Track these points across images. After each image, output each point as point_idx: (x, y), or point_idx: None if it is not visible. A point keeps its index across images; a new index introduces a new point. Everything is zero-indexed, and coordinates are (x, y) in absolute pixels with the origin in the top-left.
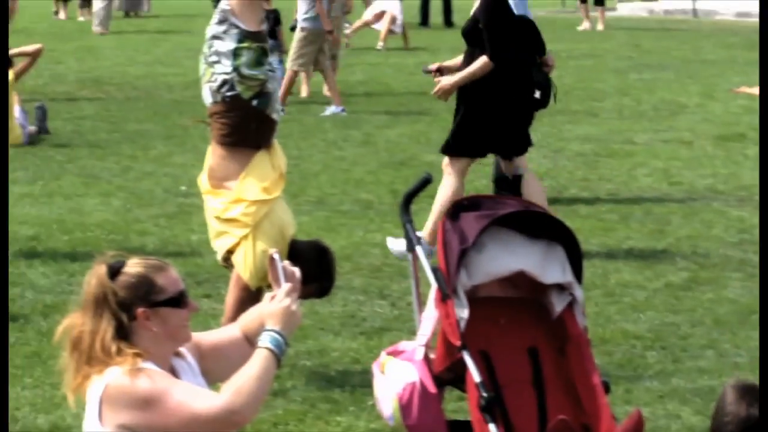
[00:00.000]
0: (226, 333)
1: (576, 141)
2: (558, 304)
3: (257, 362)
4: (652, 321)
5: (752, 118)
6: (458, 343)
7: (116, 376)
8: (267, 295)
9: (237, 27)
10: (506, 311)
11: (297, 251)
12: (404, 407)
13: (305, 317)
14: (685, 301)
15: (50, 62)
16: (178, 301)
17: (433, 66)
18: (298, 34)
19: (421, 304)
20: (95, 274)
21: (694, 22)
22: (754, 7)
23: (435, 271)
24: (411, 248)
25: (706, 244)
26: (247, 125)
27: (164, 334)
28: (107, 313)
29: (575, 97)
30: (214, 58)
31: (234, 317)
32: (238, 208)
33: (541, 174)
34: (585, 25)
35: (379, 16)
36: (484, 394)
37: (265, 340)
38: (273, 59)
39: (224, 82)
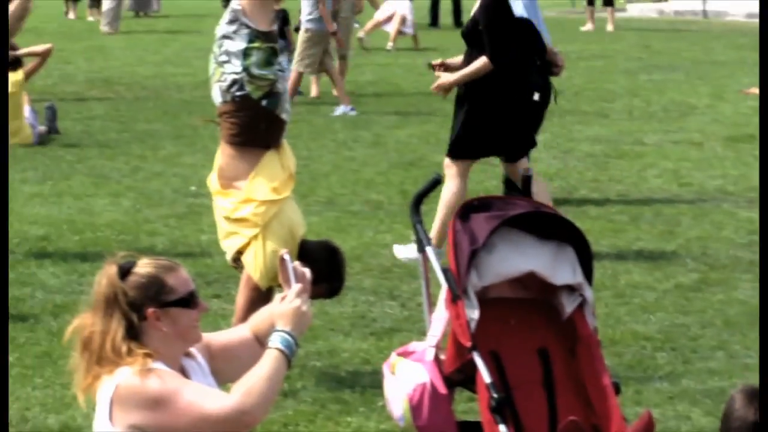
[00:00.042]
0: (237, 333)
1: (586, 142)
2: (568, 305)
3: (267, 363)
4: (662, 322)
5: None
6: (468, 343)
7: (126, 376)
8: (277, 296)
9: (248, 27)
10: (516, 312)
11: (307, 251)
12: (414, 408)
13: (315, 318)
14: (695, 302)
15: (60, 62)
16: (189, 301)
17: (437, 61)
18: (302, 36)
19: (432, 304)
20: (106, 275)
21: (704, 23)
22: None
23: (445, 271)
24: (421, 249)
25: (716, 246)
26: (256, 125)
27: (174, 335)
28: (117, 314)
29: (585, 98)
30: (224, 58)
31: (244, 317)
32: (248, 208)
33: (550, 175)
34: (588, 26)
35: (391, 17)
36: (495, 395)
37: (276, 341)
38: (282, 59)
39: (234, 82)
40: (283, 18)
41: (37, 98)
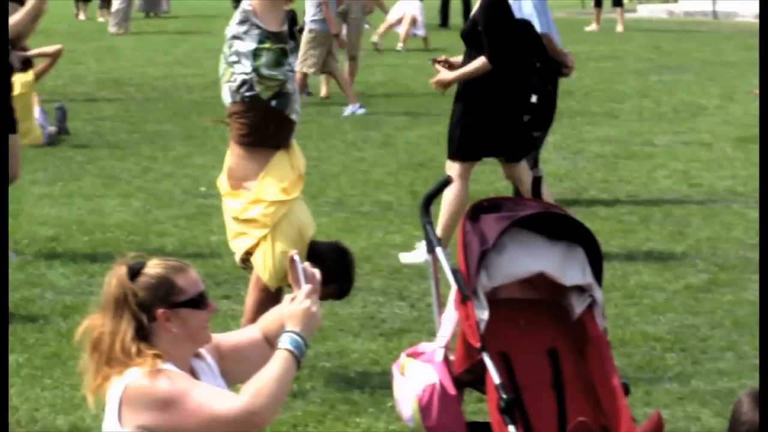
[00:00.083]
0: (246, 334)
1: (596, 143)
2: (578, 306)
3: (277, 363)
4: (671, 323)
5: None
6: (478, 344)
7: (136, 377)
8: (287, 297)
9: (258, 27)
10: (526, 313)
11: (317, 252)
12: (424, 409)
13: (325, 318)
14: (704, 303)
15: (70, 63)
16: (198, 302)
17: (441, 58)
18: (306, 36)
19: (441, 305)
20: (115, 275)
21: (714, 23)
22: None
23: (455, 272)
24: (431, 250)
25: (726, 246)
26: (265, 125)
27: (184, 335)
28: (127, 314)
29: (595, 98)
30: (234, 58)
31: (254, 318)
32: (257, 208)
33: (560, 176)
34: (593, 27)
35: (403, 19)
36: (504, 396)
37: (285, 342)
38: (293, 60)
39: (243, 82)
40: (292, 19)
41: (47, 99)
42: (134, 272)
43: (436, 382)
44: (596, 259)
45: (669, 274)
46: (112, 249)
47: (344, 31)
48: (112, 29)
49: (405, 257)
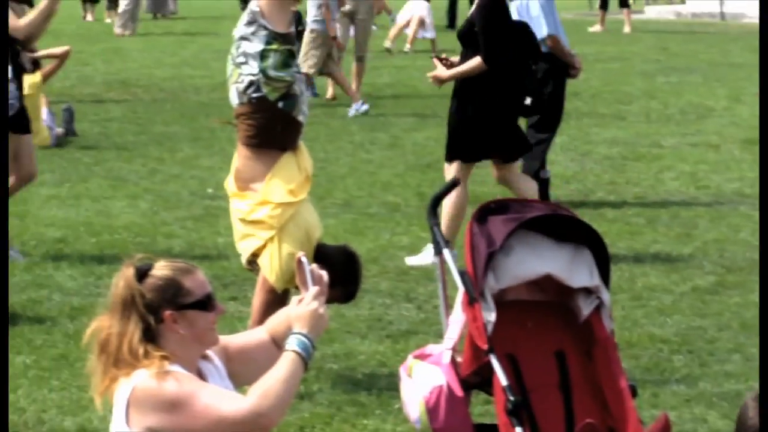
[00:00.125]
0: (254, 336)
1: (603, 144)
2: (585, 308)
3: (284, 365)
4: (678, 325)
5: None
6: (485, 346)
7: (143, 378)
8: (294, 298)
9: (265, 28)
10: (533, 315)
11: (325, 255)
12: (431, 410)
13: (332, 320)
14: (711, 305)
15: (77, 64)
16: (206, 304)
17: (443, 56)
18: (307, 37)
19: (449, 307)
20: (123, 277)
21: (722, 24)
22: None
23: (462, 274)
24: (438, 251)
25: (733, 248)
26: (272, 127)
27: (191, 337)
28: (135, 316)
29: (602, 100)
30: (241, 59)
31: (260, 320)
32: (264, 210)
33: (567, 177)
34: (596, 28)
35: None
36: (511, 398)
37: (293, 343)
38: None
39: (251, 84)
40: (297, 20)
41: (54, 100)
42: (142, 274)
43: (443, 384)
44: (603, 261)
45: (676, 276)
46: (119, 250)
47: (351, 32)
48: (117, 30)
49: (411, 260)
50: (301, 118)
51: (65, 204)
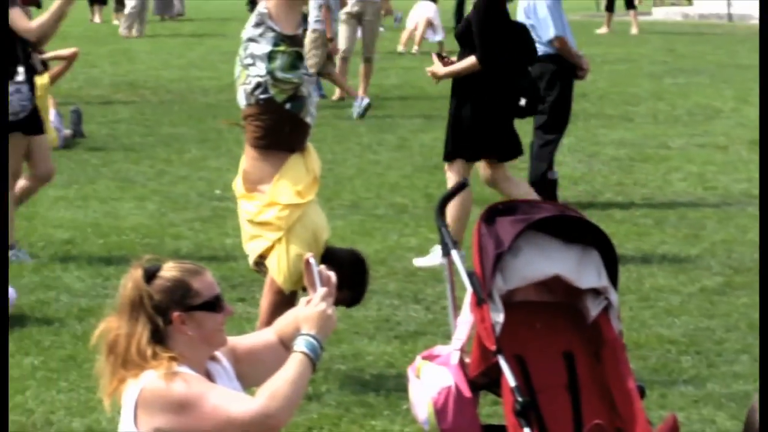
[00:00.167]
0: (262, 337)
1: (611, 145)
2: (593, 309)
3: (292, 366)
4: (686, 326)
5: None
6: (493, 347)
7: (152, 379)
8: (302, 299)
9: (273, 30)
10: (542, 316)
11: (333, 257)
12: (439, 411)
13: (340, 321)
14: (719, 305)
15: (85, 66)
16: (214, 305)
17: (445, 54)
18: (309, 36)
19: (457, 308)
20: (131, 278)
21: (729, 26)
22: None
23: (470, 275)
24: (446, 252)
25: (741, 249)
26: (280, 128)
27: (200, 338)
28: (143, 317)
29: (610, 101)
30: (249, 61)
31: (268, 321)
32: (272, 211)
33: (575, 178)
34: (603, 29)
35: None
36: (519, 399)
37: (301, 345)
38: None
39: (258, 85)
40: (303, 20)
41: (62, 102)
42: (150, 275)
43: (451, 385)
44: (611, 262)
45: (684, 277)
46: (127, 252)
47: (359, 33)
48: (123, 32)
49: (419, 261)
50: (308, 119)
51: (73, 205)
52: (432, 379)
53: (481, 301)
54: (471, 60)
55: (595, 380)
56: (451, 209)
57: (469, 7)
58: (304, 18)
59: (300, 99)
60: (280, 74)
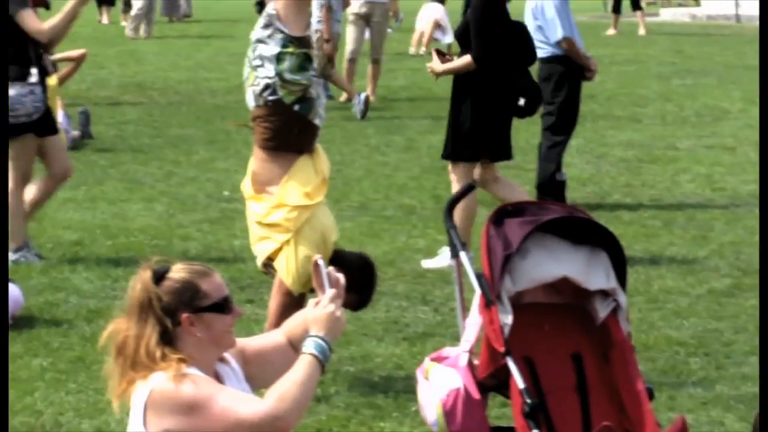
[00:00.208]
0: (271, 339)
1: (619, 147)
2: (602, 311)
3: (301, 368)
4: (695, 327)
5: None
6: (502, 349)
7: (161, 381)
8: (311, 301)
9: (281, 32)
10: (550, 317)
11: (341, 260)
12: (448, 413)
13: (348, 323)
14: (728, 307)
15: (93, 67)
16: (223, 306)
17: (445, 51)
18: (312, 36)
19: (465, 309)
20: (140, 279)
21: (737, 27)
22: None
23: (479, 277)
24: (455, 254)
25: (750, 251)
26: (289, 130)
27: (208, 340)
28: (152, 318)
29: (618, 102)
30: (257, 62)
31: (277, 323)
32: (280, 213)
33: (583, 180)
34: (611, 31)
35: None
36: (528, 401)
37: (310, 346)
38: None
39: (267, 86)
40: None
41: (70, 103)
42: (159, 276)
43: (460, 387)
44: (620, 264)
45: (692, 279)
46: (135, 253)
47: (366, 34)
48: (129, 34)
49: (427, 263)
50: (317, 121)
51: (81, 207)
52: (441, 381)
53: (489, 302)
54: (467, 59)
55: (603, 382)
56: (457, 211)
57: None
58: None
59: (308, 100)
60: (288, 76)
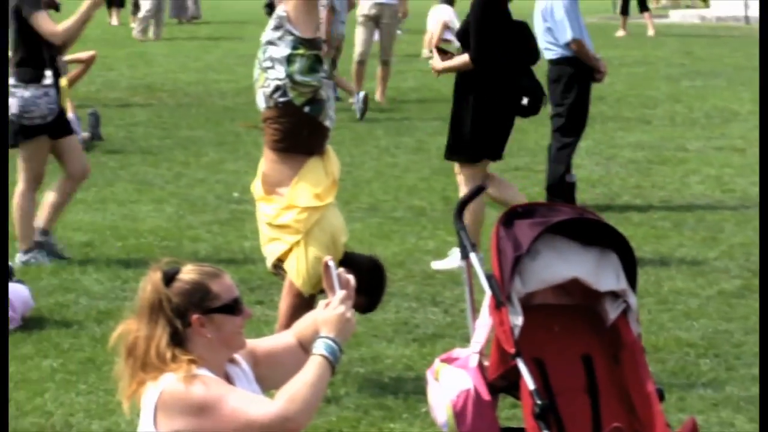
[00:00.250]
0: (281, 340)
1: (628, 148)
2: (612, 312)
3: (311, 369)
4: (705, 328)
5: None
6: (512, 350)
7: (171, 382)
8: (321, 302)
9: (292, 34)
10: (560, 318)
11: (352, 262)
12: (458, 414)
13: (358, 324)
14: (738, 308)
15: (103, 69)
16: (233, 308)
17: (447, 49)
18: None
19: (475, 311)
20: (150, 281)
21: (747, 28)
22: None
23: (489, 278)
24: (465, 255)
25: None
26: (299, 131)
27: (219, 341)
28: (162, 320)
29: (627, 104)
30: (268, 64)
31: (287, 324)
32: (290, 214)
33: (593, 181)
34: (620, 33)
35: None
36: (538, 402)
37: (320, 347)
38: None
39: (277, 88)
40: None
41: (80, 105)
42: (169, 278)
43: (470, 388)
44: (630, 265)
45: (702, 280)
46: (145, 254)
47: (376, 36)
48: (137, 35)
49: (437, 264)
50: (327, 123)
51: (91, 208)
52: (451, 382)
53: (499, 304)
54: (465, 57)
55: (613, 383)
56: (465, 212)
57: None
58: None
59: (319, 102)
60: (298, 77)
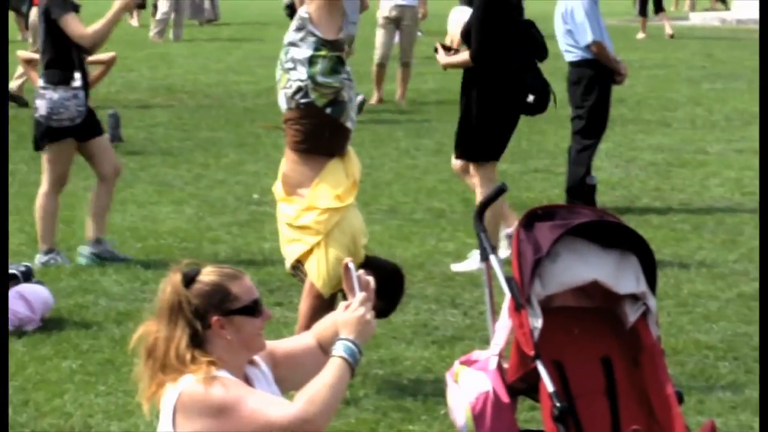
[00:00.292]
0: (301, 341)
1: (648, 151)
2: (632, 314)
3: (331, 371)
4: (724, 331)
5: None
6: (532, 352)
7: (190, 384)
8: (341, 304)
9: (314, 35)
10: (580, 321)
11: (371, 264)
12: (477, 417)
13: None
14: (757, 311)
15: (123, 70)
16: (253, 309)
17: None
18: None
19: (495, 313)
20: (170, 282)
21: None
22: None
23: (509, 280)
24: (485, 257)
25: None
26: (320, 133)
27: (238, 343)
28: (182, 321)
29: (648, 106)
30: (290, 65)
31: (307, 325)
32: (310, 215)
33: (613, 184)
34: (640, 35)
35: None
36: (558, 404)
37: (339, 349)
38: (349, 68)
39: (299, 89)
40: None
41: (100, 106)
42: (189, 279)
43: (489, 390)
44: (650, 267)
45: (722, 283)
46: (164, 256)
47: (396, 38)
48: (153, 37)
49: (457, 266)
50: (349, 124)
51: (111, 209)
52: (470, 384)
53: (519, 306)
54: (465, 55)
55: (633, 386)
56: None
57: None
58: None
59: (340, 104)
60: (320, 79)
